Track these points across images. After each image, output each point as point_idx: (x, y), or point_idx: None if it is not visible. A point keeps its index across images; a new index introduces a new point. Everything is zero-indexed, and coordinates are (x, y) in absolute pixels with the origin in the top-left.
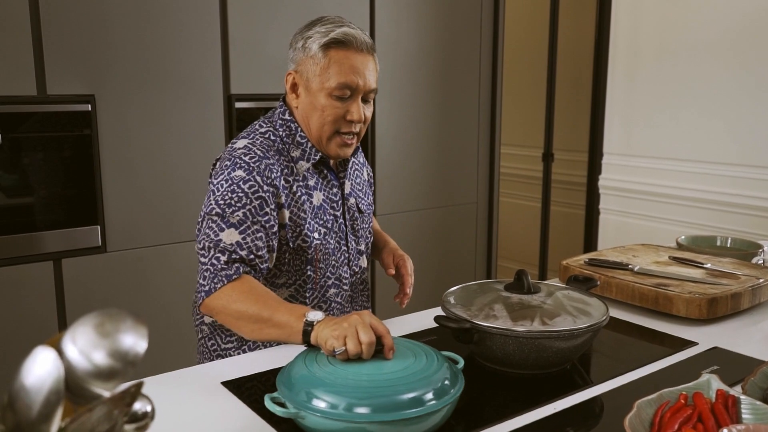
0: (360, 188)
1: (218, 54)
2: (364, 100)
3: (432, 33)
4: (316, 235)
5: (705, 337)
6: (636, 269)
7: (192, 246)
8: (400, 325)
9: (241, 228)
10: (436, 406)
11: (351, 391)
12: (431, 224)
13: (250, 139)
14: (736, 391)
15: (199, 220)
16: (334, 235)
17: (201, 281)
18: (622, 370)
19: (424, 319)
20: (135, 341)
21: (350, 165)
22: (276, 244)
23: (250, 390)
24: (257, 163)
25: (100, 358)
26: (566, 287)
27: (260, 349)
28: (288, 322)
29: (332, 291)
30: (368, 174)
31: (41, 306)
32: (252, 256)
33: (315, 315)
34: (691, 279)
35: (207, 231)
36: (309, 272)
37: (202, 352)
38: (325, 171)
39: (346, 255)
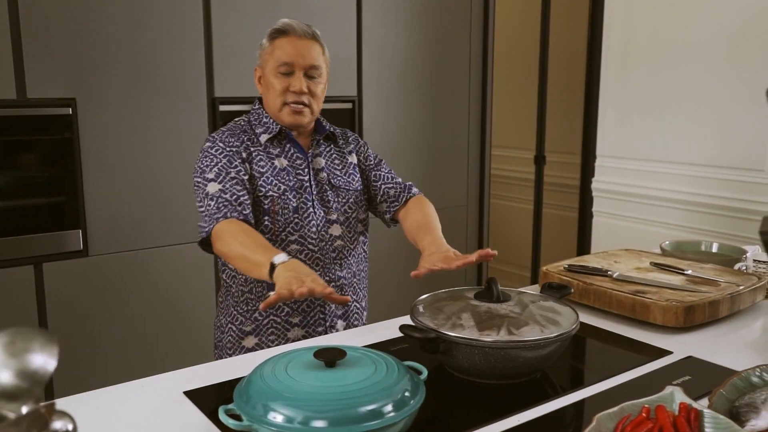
0: (339, 168)
1: (202, 57)
2: (309, 77)
3: (420, 33)
4: (273, 189)
5: (681, 346)
6: (615, 276)
7: (175, 249)
8: (373, 333)
9: (219, 179)
10: (394, 419)
11: (308, 404)
12: None
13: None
14: (702, 404)
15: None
16: (297, 195)
17: (201, 224)
18: (594, 380)
19: (396, 327)
20: (45, 360)
21: (326, 147)
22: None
23: (213, 400)
24: (220, 135)
25: (6, 377)
26: (539, 295)
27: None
28: (261, 262)
29: (294, 247)
30: (363, 158)
31: (22, 310)
32: (235, 199)
33: (280, 257)
34: (670, 286)
35: (196, 189)
36: (267, 222)
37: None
38: (288, 145)
39: (314, 218)
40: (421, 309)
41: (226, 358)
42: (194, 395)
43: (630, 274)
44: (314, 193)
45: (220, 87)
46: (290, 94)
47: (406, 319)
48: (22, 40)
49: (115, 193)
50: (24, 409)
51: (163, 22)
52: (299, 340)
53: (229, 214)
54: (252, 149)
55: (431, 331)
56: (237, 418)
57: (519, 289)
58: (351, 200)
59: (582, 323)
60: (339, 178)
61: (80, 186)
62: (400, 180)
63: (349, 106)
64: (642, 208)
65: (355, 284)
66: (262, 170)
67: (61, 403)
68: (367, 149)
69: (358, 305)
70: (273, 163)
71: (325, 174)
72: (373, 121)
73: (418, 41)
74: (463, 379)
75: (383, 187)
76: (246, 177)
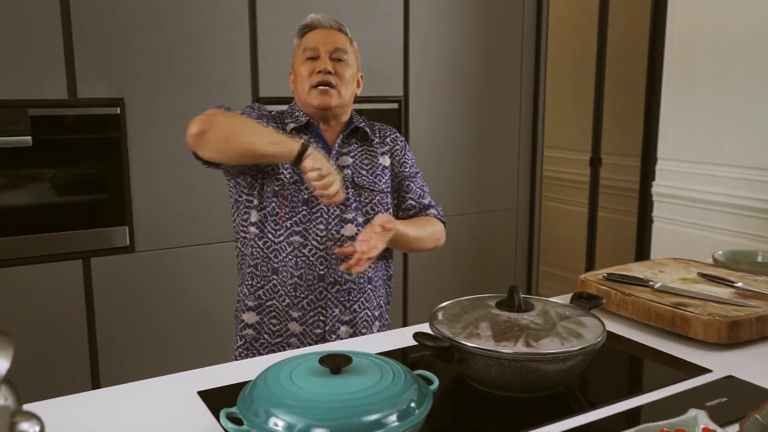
0: (365, 168)
1: (247, 57)
2: (335, 59)
3: (469, 30)
4: (285, 174)
5: (722, 365)
6: (656, 286)
7: (219, 247)
8: (395, 340)
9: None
10: (397, 429)
11: (309, 411)
12: (467, 231)
13: None
14: (732, 429)
15: None
16: (308, 190)
17: None
18: (622, 396)
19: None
20: None
21: (357, 146)
22: None
23: (225, 401)
24: (255, 104)
25: None
26: (566, 306)
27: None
28: (281, 138)
29: (297, 238)
30: (398, 164)
31: (71, 303)
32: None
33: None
34: (716, 299)
35: None
36: (274, 204)
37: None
38: (316, 141)
39: (325, 215)
40: (440, 316)
41: (238, 328)
42: (207, 396)
43: (673, 285)
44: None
45: (265, 87)
46: (316, 76)
47: (426, 327)
48: (73, 43)
49: (161, 191)
50: None
51: (209, 24)
52: (297, 335)
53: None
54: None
55: (446, 339)
56: (240, 422)
57: (547, 299)
58: (375, 201)
59: (617, 336)
60: (364, 178)
61: (127, 184)
62: (426, 201)
63: (395, 106)
64: (706, 214)
65: (369, 291)
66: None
67: (75, 399)
68: (405, 154)
69: (369, 313)
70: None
71: (349, 171)
72: (419, 121)
73: (467, 38)
74: (482, 391)
75: (410, 200)
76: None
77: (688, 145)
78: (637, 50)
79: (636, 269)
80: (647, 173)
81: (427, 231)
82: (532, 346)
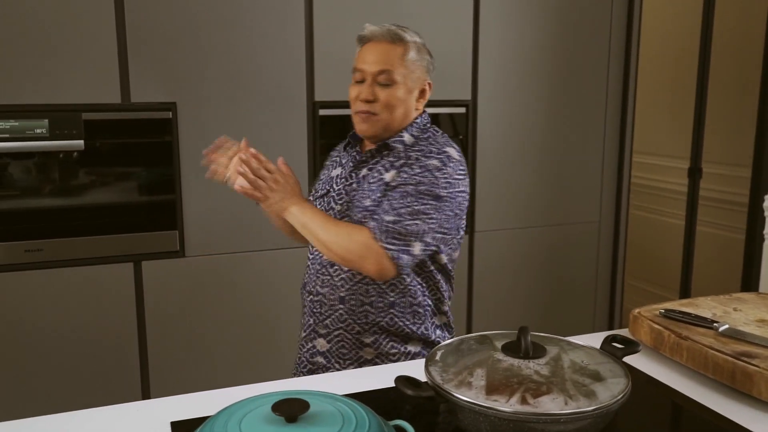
0: (369, 180)
1: (303, 61)
2: (381, 84)
3: (546, 28)
4: (314, 194)
5: None
6: (721, 329)
7: (269, 254)
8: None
9: None
10: None
11: None
12: (540, 244)
13: None
14: None
15: None
16: (322, 203)
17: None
18: None
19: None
20: None
21: (383, 157)
22: None
23: None
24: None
25: None
26: (590, 351)
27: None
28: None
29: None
30: (396, 174)
31: (121, 305)
32: None
33: None
34: None
35: None
36: None
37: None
38: (353, 153)
39: None
40: (437, 357)
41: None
42: (179, 427)
43: (743, 329)
44: (326, 200)
45: (321, 91)
46: (357, 103)
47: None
48: (127, 48)
49: (212, 197)
50: None
51: (264, 27)
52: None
53: None
54: (333, 156)
55: (430, 387)
56: None
57: (570, 341)
58: (356, 218)
59: (664, 386)
60: (356, 192)
61: (178, 188)
62: (376, 215)
63: (462, 110)
64: None
65: (340, 311)
66: (321, 177)
67: (50, 420)
68: (411, 170)
69: (396, 340)
70: (330, 171)
71: (355, 184)
72: (488, 126)
73: (543, 37)
74: None
75: (361, 204)
76: None
77: None
78: (748, 49)
79: (705, 305)
80: (758, 185)
81: (339, 229)
82: (529, 403)
